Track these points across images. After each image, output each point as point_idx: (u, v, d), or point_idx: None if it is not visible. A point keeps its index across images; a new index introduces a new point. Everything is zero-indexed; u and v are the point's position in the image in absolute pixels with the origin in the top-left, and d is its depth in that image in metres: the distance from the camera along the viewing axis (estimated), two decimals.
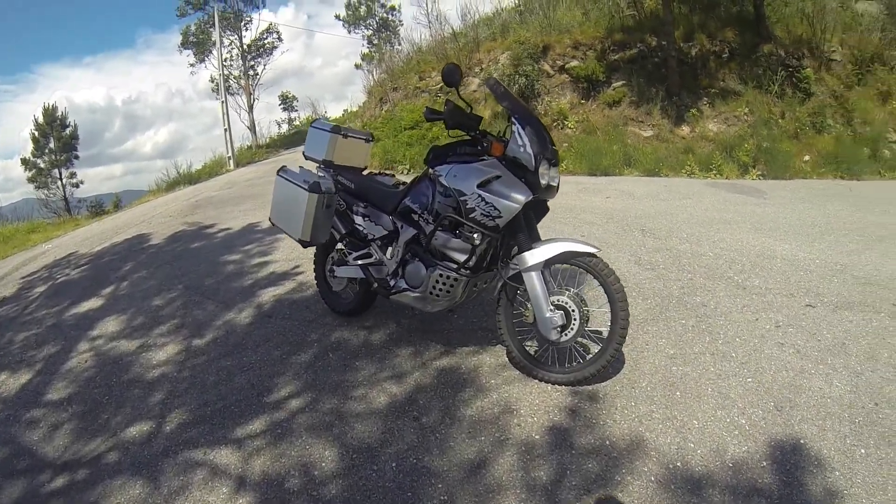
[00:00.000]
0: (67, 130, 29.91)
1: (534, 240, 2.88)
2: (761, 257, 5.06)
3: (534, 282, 2.80)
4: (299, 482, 2.50)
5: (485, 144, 2.89)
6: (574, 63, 11.27)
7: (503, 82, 10.92)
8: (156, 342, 4.18)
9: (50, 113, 29.39)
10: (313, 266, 4.13)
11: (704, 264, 4.86)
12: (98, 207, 19.00)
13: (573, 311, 2.81)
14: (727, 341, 3.46)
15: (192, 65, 31.35)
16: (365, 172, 3.93)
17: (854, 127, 10.34)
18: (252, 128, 29.47)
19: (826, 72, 11.15)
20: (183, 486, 2.57)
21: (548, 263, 2.81)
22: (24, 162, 29.22)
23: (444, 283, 3.01)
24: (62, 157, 29.42)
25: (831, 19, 11.69)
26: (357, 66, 22.12)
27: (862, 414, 2.70)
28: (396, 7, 37.14)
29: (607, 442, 2.56)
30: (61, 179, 29.43)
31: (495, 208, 2.76)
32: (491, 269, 3.07)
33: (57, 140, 29.31)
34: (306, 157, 3.84)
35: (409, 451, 2.61)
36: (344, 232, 3.59)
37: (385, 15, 37.28)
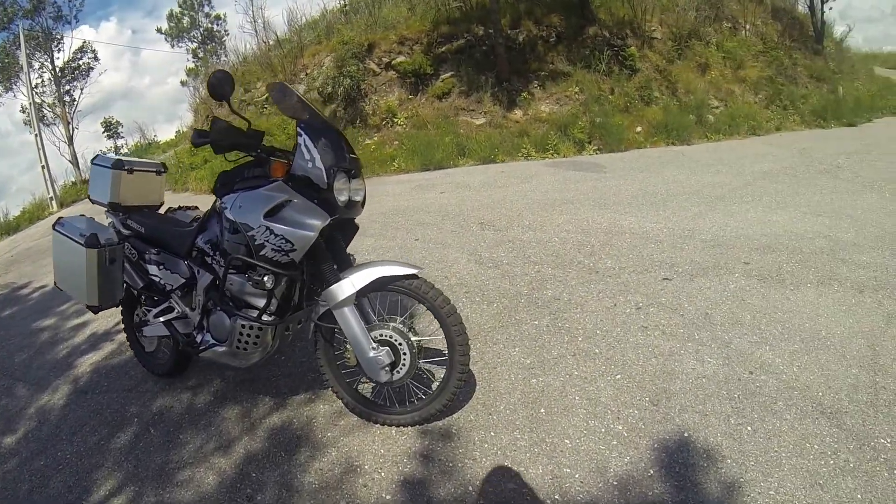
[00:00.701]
0: None
1: (342, 268, 2.49)
2: (609, 234, 5.15)
3: (348, 319, 2.40)
4: None
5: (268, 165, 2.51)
6: (401, 59, 11.20)
7: (327, 86, 11.00)
8: None
9: None
10: (123, 327, 3.64)
11: (551, 252, 4.71)
12: None
13: (400, 345, 2.43)
14: (588, 336, 3.26)
15: None
16: (162, 210, 3.46)
17: (679, 97, 11.57)
18: (74, 161, 25.84)
19: (649, 49, 12.30)
20: None
21: (361, 294, 2.42)
22: None
23: (248, 334, 2.61)
24: None
25: (650, 1, 12.93)
26: (182, 83, 20.38)
27: (739, 387, 2.63)
28: (222, 16, 34.98)
29: (470, 488, 2.24)
30: None
31: (287, 241, 2.34)
32: (302, 307, 2.69)
33: None
34: (92, 202, 3.29)
35: None
36: (141, 286, 3.10)
37: (210, 25, 34.94)
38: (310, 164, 2.34)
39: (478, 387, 2.85)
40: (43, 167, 16.96)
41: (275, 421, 2.88)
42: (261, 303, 2.54)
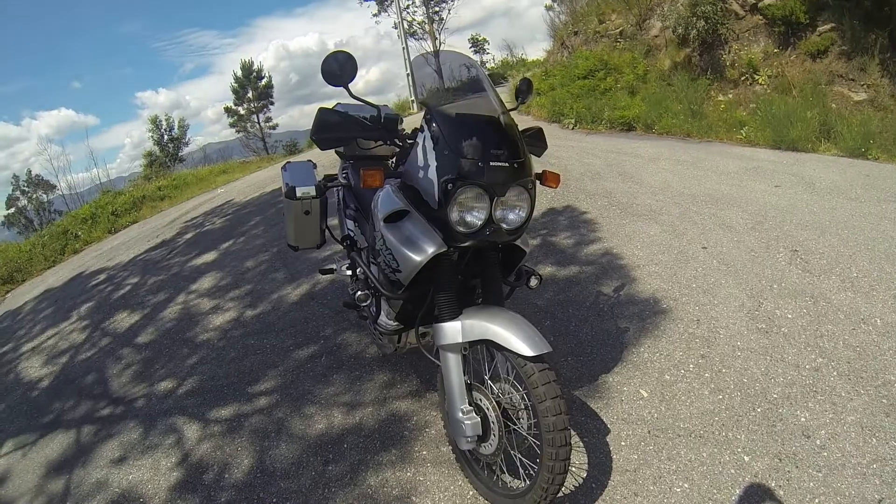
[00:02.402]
0: (263, 81, 35.12)
1: (469, 299, 2.15)
2: None
3: (449, 367, 1.98)
4: (211, 476, 2.67)
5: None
6: (769, 0, 8.87)
7: (679, 27, 9.36)
8: (224, 306, 4.74)
9: (247, 68, 34.84)
10: None
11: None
12: (292, 147, 21.67)
13: (493, 422, 1.94)
14: None
15: (374, 14, 33.95)
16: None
17: None
18: (438, 71, 30.35)
19: None
20: (157, 444, 3.06)
21: (474, 344, 1.98)
22: (227, 110, 35.33)
23: (373, 329, 2.54)
24: (259, 105, 34.81)
25: None
26: (547, 8, 21.21)
27: None
28: None
29: None
30: (259, 123, 34.96)
31: (394, 258, 2.01)
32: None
33: (254, 90, 34.63)
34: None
35: (290, 495, 2.45)
36: (340, 236, 3.11)
37: None
38: (421, 174, 1.92)
39: None
40: (408, 75, 21.25)
41: (401, 408, 2.88)
42: (374, 307, 2.40)
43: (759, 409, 2.46)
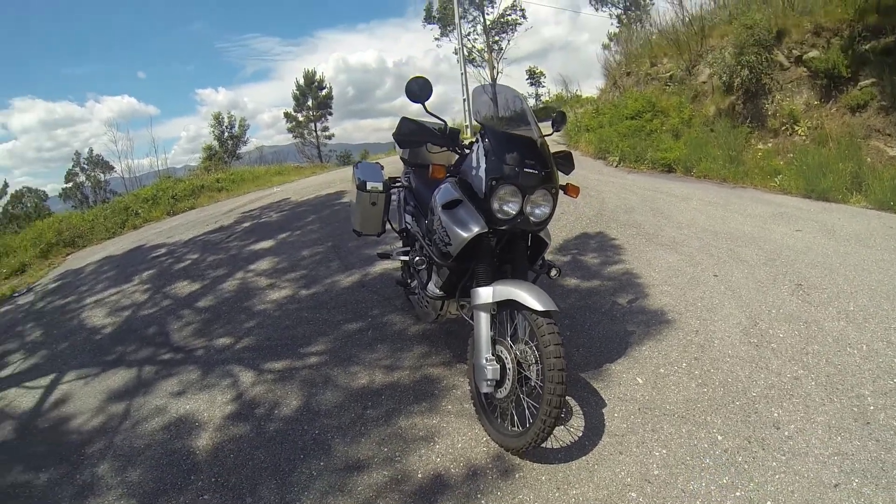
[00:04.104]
0: (323, 92, 36.91)
1: (501, 276, 2.70)
2: None
3: (480, 322, 2.58)
4: (261, 411, 3.26)
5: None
6: (813, 53, 9.15)
7: (724, 74, 9.85)
8: (280, 284, 5.38)
9: (310, 77, 36.73)
10: None
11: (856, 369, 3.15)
12: (346, 158, 22.67)
13: (510, 369, 2.51)
14: None
15: (437, 38, 35.41)
16: None
17: None
18: (494, 100, 31.35)
19: None
20: (214, 384, 3.69)
21: (502, 306, 2.57)
22: (287, 115, 37.27)
23: (420, 297, 3.21)
24: (318, 114, 36.76)
25: None
26: (604, 47, 21.86)
27: None
28: None
29: None
30: (316, 132, 36.84)
31: (447, 235, 2.67)
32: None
33: (314, 99, 36.52)
34: (397, 153, 4.25)
35: (331, 429, 3.00)
36: (400, 228, 3.92)
37: None
38: (473, 172, 2.63)
39: None
40: (464, 100, 22.66)
41: (434, 373, 3.42)
42: (425, 277, 3.08)
43: (737, 403, 2.90)
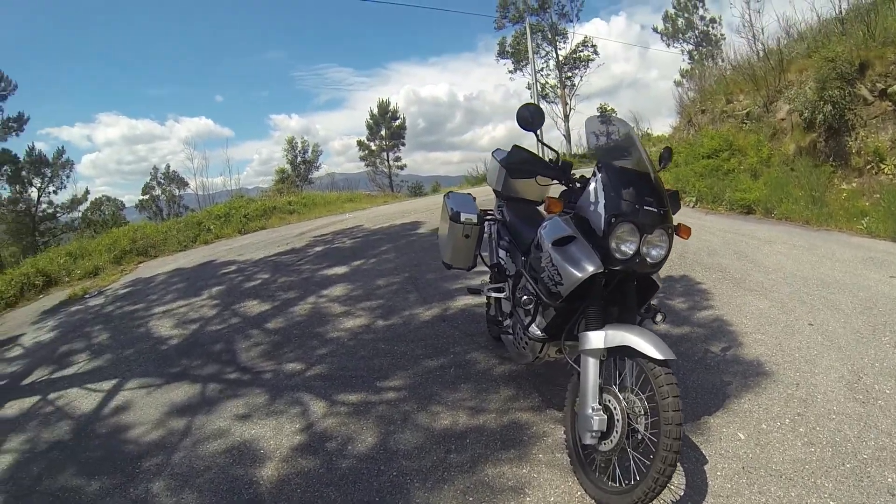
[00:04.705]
0: (397, 122, 38.35)
1: (621, 319, 2.52)
2: None
3: (587, 369, 2.42)
4: (333, 445, 3.09)
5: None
6: None
7: (805, 111, 9.31)
8: (354, 312, 5.27)
9: (384, 106, 38.21)
10: None
11: None
12: (418, 188, 22.93)
13: (618, 420, 2.31)
14: None
15: (510, 72, 35.61)
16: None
17: None
18: (567, 136, 32.13)
19: None
20: (283, 411, 3.54)
21: (612, 353, 2.40)
22: (360, 143, 38.83)
23: (519, 338, 3.00)
24: (390, 143, 38.11)
25: None
26: (676, 84, 21.52)
27: None
28: (717, 19, 34.03)
29: None
30: (388, 161, 38.11)
31: (559, 273, 2.50)
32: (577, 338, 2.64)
33: (387, 129, 37.88)
34: (489, 184, 4.12)
35: (410, 472, 2.79)
36: (491, 262, 3.75)
37: (706, 28, 34.65)
38: (591, 208, 2.45)
39: None
40: (537, 135, 22.44)
41: (522, 418, 3.17)
42: (526, 317, 2.85)
43: (848, 465, 2.63)
